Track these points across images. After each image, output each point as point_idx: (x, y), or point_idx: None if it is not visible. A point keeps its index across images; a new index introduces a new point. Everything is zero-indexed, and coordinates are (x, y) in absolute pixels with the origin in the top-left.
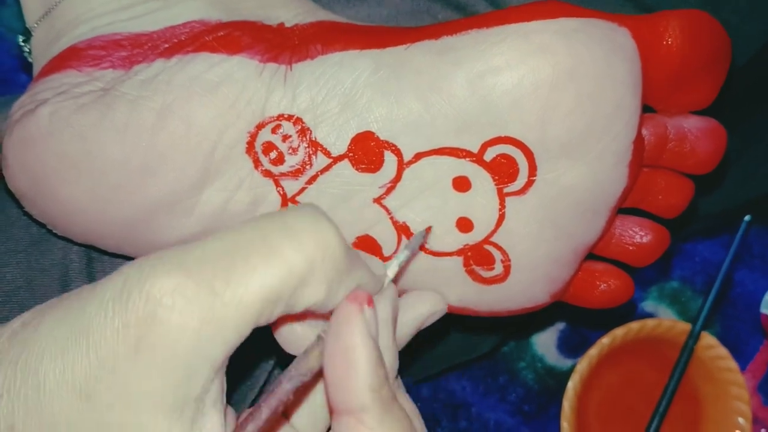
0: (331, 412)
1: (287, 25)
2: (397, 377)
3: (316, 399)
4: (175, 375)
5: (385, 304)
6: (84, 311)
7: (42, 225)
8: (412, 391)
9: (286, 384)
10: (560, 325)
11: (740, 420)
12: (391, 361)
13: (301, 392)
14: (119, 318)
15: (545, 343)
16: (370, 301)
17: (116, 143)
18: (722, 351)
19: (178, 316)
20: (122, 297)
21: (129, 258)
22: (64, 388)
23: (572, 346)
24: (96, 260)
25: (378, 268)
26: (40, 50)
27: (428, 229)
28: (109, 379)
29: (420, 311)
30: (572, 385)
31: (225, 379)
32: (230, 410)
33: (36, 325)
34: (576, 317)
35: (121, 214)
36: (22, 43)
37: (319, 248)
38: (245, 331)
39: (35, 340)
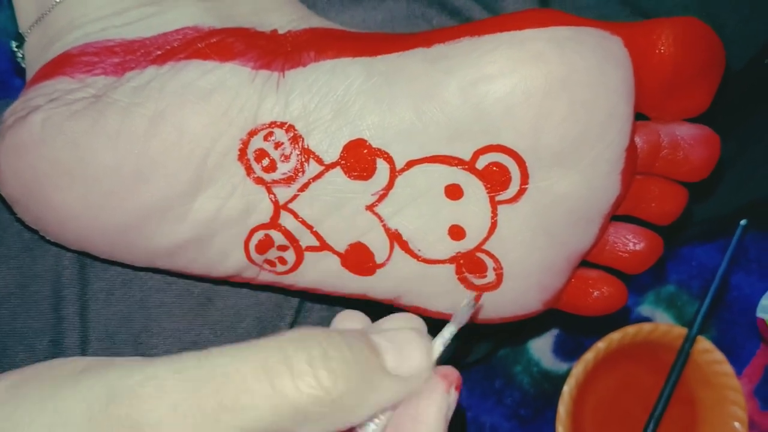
0: None
1: (280, 31)
2: None
3: None
4: None
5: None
6: (62, 413)
7: (34, 231)
8: None
9: None
10: (556, 330)
11: (736, 425)
12: None
13: None
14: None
15: (541, 347)
16: (459, 386)
17: (108, 150)
18: (718, 355)
19: None
20: (104, 414)
21: (122, 264)
22: None
23: (568, 350)
24: (89, 266)
25: (416, 359)
26: (33, 56)
27: (477, 298)
28: None
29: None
30: (568, 389)
31: None
32: None
33: (15, 405)
34: (572, 321)
35: (113, 221)
36: (15, 49)
37: (314, 396)
38: None
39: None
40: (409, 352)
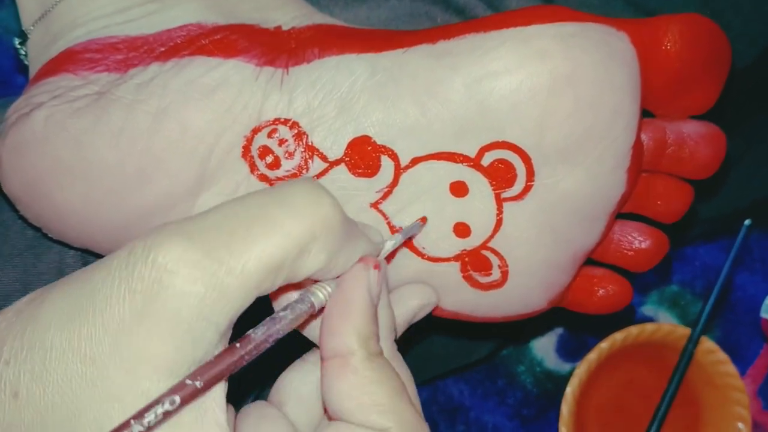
0: (322, 361)
1: (284, 28)
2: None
3: (311, 394)
4: (179, 339)
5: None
6: (90, 281)
7: (38, 229)
8: None
9: (287, 313)
10: (559, 329)
11: (740, 425)
12: (387, 321)
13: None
14: (125, 285)
15: (544, 346)
16: (377, 266)
17: (111, 147)
18: (722, 356)
19: (182, 282)
20: (128, 265)
21: None
22: (69, 354)
23: (571, 350)
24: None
25: (376, 235)
26: (36, 53)
27: (423, 220)
28: (113, 344)
29: (411, 305)
30: (571, 390)
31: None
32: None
33: (41, 300)
34: (575, 321)
35: (116, 219)
36: (18, 46)
37: (318, 218)
38: (249, 298)
39: (41, 313)
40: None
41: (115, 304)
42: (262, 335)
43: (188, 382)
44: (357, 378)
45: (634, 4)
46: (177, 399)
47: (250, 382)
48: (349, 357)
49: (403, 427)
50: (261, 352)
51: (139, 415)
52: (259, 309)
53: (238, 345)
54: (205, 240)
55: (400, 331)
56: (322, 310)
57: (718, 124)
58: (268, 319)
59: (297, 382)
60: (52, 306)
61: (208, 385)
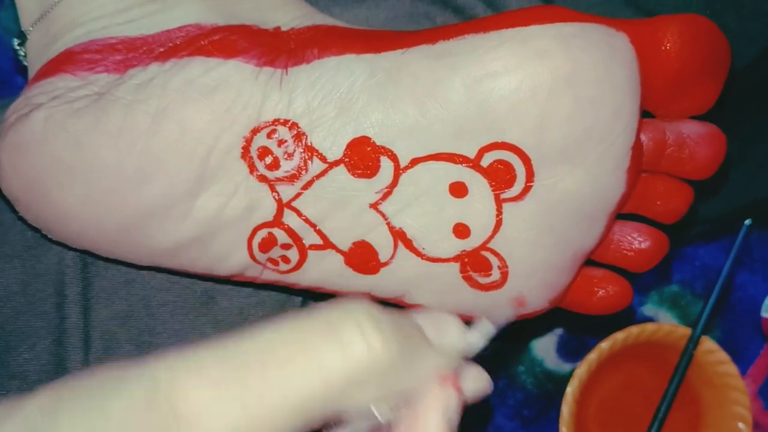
0: None
1: (284, 29)
2: None
3: None
4: None
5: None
6: (104, 413)
7: (37, 230)
8: None
9: None
10: (560, 330)
11: (741, 425)
12: None
13: None
14: (144, 428)
15: (544, 347)
16: (456, 384)
17: (111, 148)
18: (723, 356)
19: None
20: (148, 408)
21: (124, 263)
22: None
23: (571, 350)
24: (91, 265)
25: (452, 337)
26: (36, 54)
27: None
28: None
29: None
30: (571, 390)
31: None
32: None
33: (53, 417)
34: (575, 321)
35: (115, 219)
36: (18, 47)
37: (364, 363)
38: None
39: None
40: (446, 328)
41: None
42: None
43: None
44: None
45: (634, 5)
46: None
47: None
48: None
49: None
50: None
51: None
52: None
53: None
54: (233, 384)
55: None
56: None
57: (718, 124)
58: None
59: None
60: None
61: None
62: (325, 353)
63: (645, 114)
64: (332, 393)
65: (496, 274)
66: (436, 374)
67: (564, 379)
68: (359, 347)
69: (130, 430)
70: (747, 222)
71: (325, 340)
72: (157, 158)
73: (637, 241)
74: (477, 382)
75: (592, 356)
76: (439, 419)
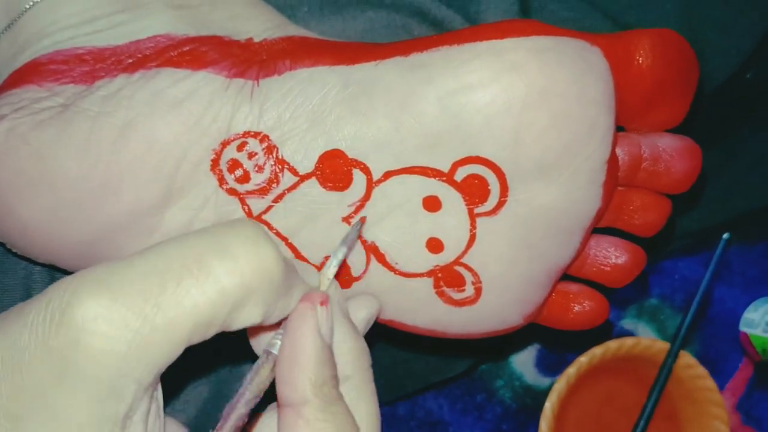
0: (278, 408)
1: (256, 40)
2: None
3: None
4: (101, 397)
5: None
6: (8, 335)
7: (2, 244)
8: (387, 409)
9: (241, 408)
10: (539, 344)
11: None
12: (354, 349)
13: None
14: (42, 341)
15: (523, 361)
16: (324, 302)
17: (75, 160)
18: (701, 370)
19: (102, 342)
20: (45, 320)
21: None
22: None
23: (550, 364)
24: (59, 279)
25: (313, 278)
26: (2, 64)
27: (363, 220)
28: (35, 402)
29: (360, 317)
30: (550, 405)
31: (161, 392)
32: (172, 421)
33: None
34: (554, 335)
35: (81, 233)
36: None
37: (256, 271)
38: (175, 353)
39: None
40: (310, 277)
41: (34, 363)
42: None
43: None
44: (309, 430)
45: (612, 19)
46: None
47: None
48: (302, 407)
49: None
50: None
51: None
52: None
53: None
54: (132, 293)
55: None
56: None
57: (697, 138)
58: (227, 405)
59: (275, 424)
60: None
61: None
62: (218, 267)
63: (618, 128)
64: (222, 309)
65: (470, 290)
66: (305, 297)
67: (543, 394)
68: (251, 258)
69: (26, 346)
70: (725, 236)
71: (218, 254)
72: (123, 171)
73: (613, 255)
74: (367, 306)
75: (571, 370)
76: (311, 334)
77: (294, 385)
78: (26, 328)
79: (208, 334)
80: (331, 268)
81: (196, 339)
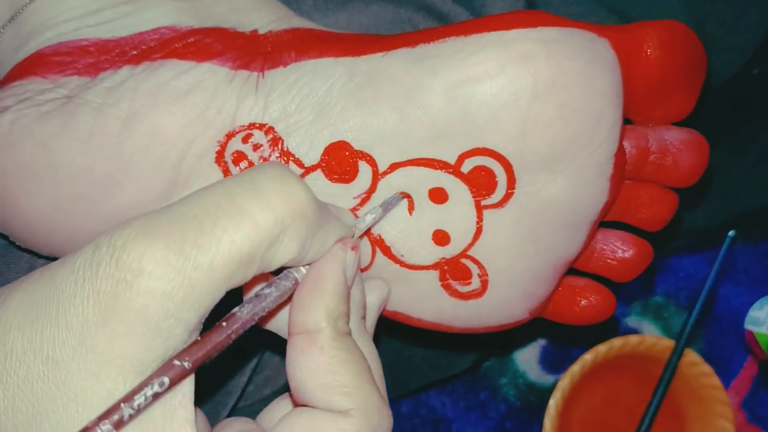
0: (289, 336)
1: (260, 32)
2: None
3: None
4: (146, 338)
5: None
6: (53, 280)
7: (5, 237)
8: (391, 407)
9: (248, 314)
10: (542, 341)
11: None
12: (358, 299)
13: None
14: (89, 284)
15: (527, 359)
16: (354, 247)
17: (79, 152)
18: (706, 368)
19: (148, 281)
20: (92, 264)
21: None
22: (31, 355)
23: (554, 362)
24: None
25: (349, 218)
26: (6, 56)
27: (405, 195)
28: (78, 345)
29: (369, 300)
30: (554, 402)
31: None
32: (198, 411)
33: (4, 300)
34: (558, 333)
35: (84, 226)
36: None
37: (289, 207)
38: (219, 293)
39: (2, 314)
40: (343, 211)
41: (80, 304)
42: (247, 314)
43: (176, 362)
44: (323, 356)
45: (618, 14)
46: (166, 380)
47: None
48: (317, 334)
49: (364, 410)
50: (246, 330)
51: (129, 398)
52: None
53: (224, 324)
54: (172, 235)
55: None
56: None
57: (703, 135)
58: (252, 296)
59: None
60: (15, 306)
61: (195, 365)
62: (253, 206)
63: (625, 121)
64: (260, 245)
65: (476, 283)
66: (338, 239)
67: (547, 391)
68: (282, 194)
69: (73, 291)
70: (731, 233)
71: (250, 193)
72: (127, 163)
73: (620, 250)
74: (378, 289)
75: (576, 368)
76: (337, 270)
77: (312, 313)
78: (73, 273)
79: (249, 273)
80: (366, 222)
81: (238, 278)
